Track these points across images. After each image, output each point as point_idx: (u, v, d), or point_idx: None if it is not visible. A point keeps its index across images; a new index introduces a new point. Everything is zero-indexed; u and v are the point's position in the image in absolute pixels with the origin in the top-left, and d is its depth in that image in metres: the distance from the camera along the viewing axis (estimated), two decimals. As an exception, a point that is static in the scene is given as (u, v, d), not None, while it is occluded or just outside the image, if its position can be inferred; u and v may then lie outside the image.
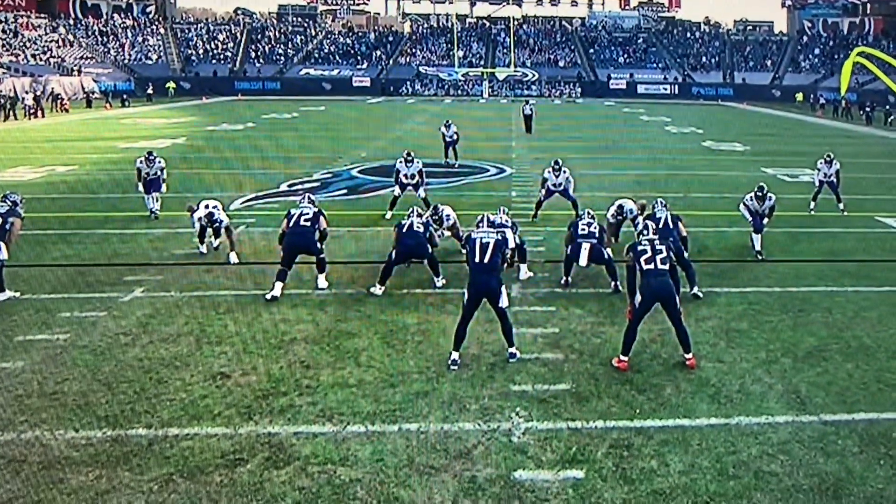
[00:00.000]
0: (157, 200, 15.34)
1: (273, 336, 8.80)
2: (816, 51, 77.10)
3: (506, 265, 9.28)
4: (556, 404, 7.09)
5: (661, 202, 11.37)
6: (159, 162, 15.35)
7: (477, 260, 7.99)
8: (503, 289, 8.01)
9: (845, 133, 39.32)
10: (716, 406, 7.11)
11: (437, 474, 5.86)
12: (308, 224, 10.54)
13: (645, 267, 7.89)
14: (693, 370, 7.87)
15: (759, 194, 12.65)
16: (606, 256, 10.66)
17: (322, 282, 10.71)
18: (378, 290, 10.40)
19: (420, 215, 11.10)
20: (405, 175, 15.54)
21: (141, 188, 15.19)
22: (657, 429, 6.64)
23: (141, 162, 15.25)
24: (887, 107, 47.45)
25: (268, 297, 10.08)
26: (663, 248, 8.06)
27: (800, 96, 62.74)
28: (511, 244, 10.34)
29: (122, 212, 15.80)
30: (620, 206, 12.66)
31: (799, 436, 6.55)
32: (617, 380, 7.66)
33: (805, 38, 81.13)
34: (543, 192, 15.36)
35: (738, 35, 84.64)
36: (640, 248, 8.06)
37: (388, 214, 15.26)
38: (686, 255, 10.53)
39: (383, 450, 6.23)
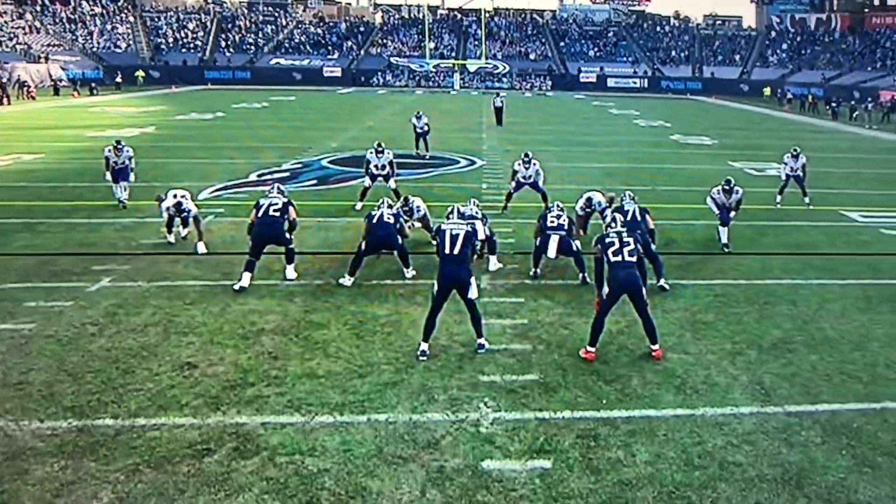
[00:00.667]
0: (125, 190, 15.12)
1: (241, 326, 8.73)
2: (784, 46, 78.04)
3: (476, 257, 9.26)
4: (524, 395, 7.12)
5: (629, 195, 11.43)
6: (127, 151, 15.13)
7: (447, 251, 7.97)
8: (473, 280, 7.98)
9: (812, 128, 39.85)
10: (681, 397, 7.19)
11: (404, 464, 5.86)
12: (277, 214, 10.43)
13: (612, 259, 7.94)
14: (659, 361, 7.95)
15: (727, 188, 12.78)
16: (575, 248, 10.70)
17: (291, 272, 10.62)
18: (347, 280, 10.36)
19: (390, 206, 11.09)
20: (376, 166, 15.48)
21: (109, 177, 14.97)
22: (624, 419, 6.69)
23: (109, 151, 15.01)
24: (852, 102, 48.20)
25: (236, 287, 9.99)
26: (631, 240, 8.10)
27: (767, 91, 63.52)
28: (481, 235, 10.37)
29: (89, 201, 15.57)
30: (589, 199, 12.72)
31: (763, 427, 6.65)
32: (584, 370, 7.71)
33: (773, 34, 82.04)
34: (513, 184, 15.39)
35: (707, 29, 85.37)
36: (607, 240, 8.10)
37: (359, 205, 15.19)
38: (653, 247, 10.60)
39: (351, 440, 6.22)
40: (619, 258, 7.92)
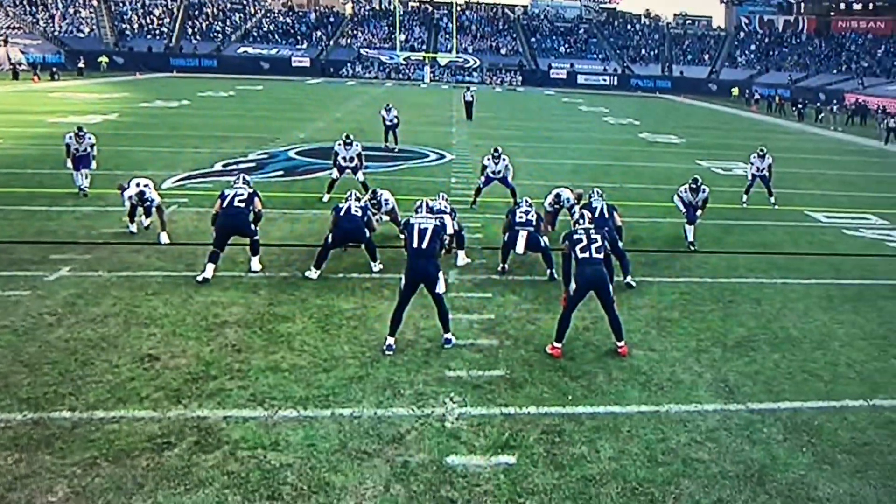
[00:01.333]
0: (86, 177, 14.88)
1: (204, 318, 8.63)
2: (752, 47, 79.01)
3: (444, 251, 9.17)
4: (490, 390, 7.13)
5: (598, 192, 11.46)
6: (89, 138, 14.88)
7: (415, 245, 7.94)
8: (441, 275, 7.94)
9: (778, 128, 40.42)
10: (646, 394, 7.26)
11: (369, 459, 5.84)
12: (242, 205, 10.32)
13: (580, 255, 7.98)
14: (625, 358, 8.01)
15: (693, 186, 12.90)
16: (543, 244, 10.73)
17: (255, 264, 10.52)
18: (313, 273, 10.29)
19: (358, 199, 11.02)
20: (344, 158, 15.38)
21: (70, 164, 14.71)
22: (588, 415, 6.74)
23: (70, 137, 14.75)
24: (818, 104, 48.98)
25: (199, 278, 9.89)
26: (598, 237, 8.15)
27: (735, 91, 64.35)
28: (449, 230, 10.35)
29: (49, 188, 15.27)
30: (558, 195, 12.76)
31: (726, 423, 6.74)
32: (550, 366, 7.74)
33: (742, 34, 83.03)
34: (483, 179, 15.39)
35: (677, 29, 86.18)
36: (575, 236, 8.14)
37: (326, 197, 15.11)
38: (620, 244, 10.69)
39: (315, 435, 6.18)
40: (586, 255, 7.96)
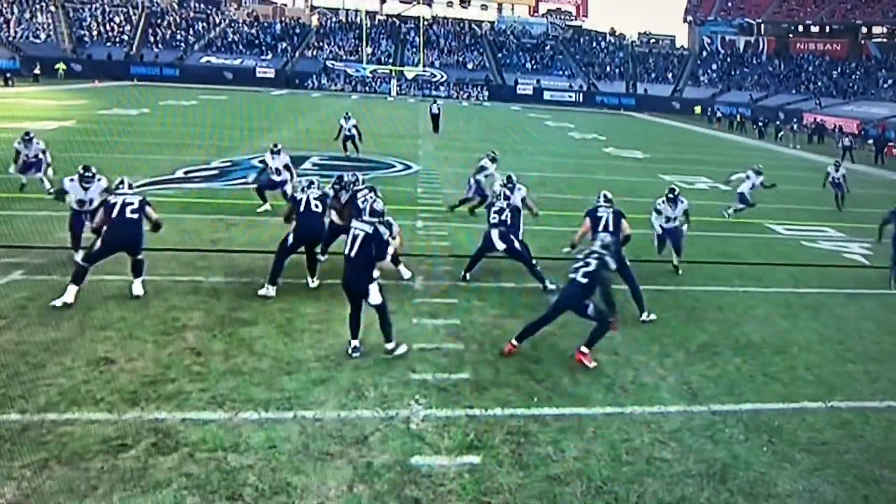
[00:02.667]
0: (43, 181, 14.72)
1: (162, 322, 8.51)
2: (714, 66, 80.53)
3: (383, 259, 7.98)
4: (455, 392, 7.13)
5: (605, 196, 10.61)
6: (38, 143, 14.74)
7: (346, 252, 7.81)
8: (373, 286, 7.68)
9: (740, 145, 41.16)
10: (611, 396, 7.31)
11: (331, 460, 5.78)
12: (136, 216, 9.24)
13: (570, 275, 8.09)
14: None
15: (671, 196, 12.03)
16: (516, 247, 10.63)
17: (138, 288, 9.37)
18: (270, 291, 9.62)
19: (312, 184, 10.22)
20: (271, 169, 15.13)
21: (13, 170, 14.64)
22: (553, 417, 6.76)
23: (18, 143, 14.54)
24: (777, 122, 50.03)
25: (58, 304, 8.72)
26: (593, 264, 7.97)
27: (698, 109, 65.54)
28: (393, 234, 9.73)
29: (0, 192, 14.95)
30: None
31: (689, 424, 6.81)
32: (515, 370, 7.76)
33: (704, 54, 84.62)
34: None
35: (641, 47, 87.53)
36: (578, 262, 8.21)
37: (266, 206, 14.77)
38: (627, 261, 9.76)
39: (276, 437, 6.11)
40: (573, 276, 8.02)
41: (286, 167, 15.10)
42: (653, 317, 9.59)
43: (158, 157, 21.10)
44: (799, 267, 13.24)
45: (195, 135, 27.59)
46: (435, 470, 5.73)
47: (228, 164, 20.76)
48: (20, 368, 7.07)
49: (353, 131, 24.09)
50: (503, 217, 10.69)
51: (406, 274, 10.73)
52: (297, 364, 7.56)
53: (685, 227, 12.46)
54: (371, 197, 10.19)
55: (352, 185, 10.93)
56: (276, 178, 15.06)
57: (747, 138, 46.46)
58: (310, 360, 7.70)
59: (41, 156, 14.74)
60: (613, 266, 8.16)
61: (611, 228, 9.83)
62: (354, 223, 7.98)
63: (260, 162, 15.36)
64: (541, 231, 13.76)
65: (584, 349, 7.97)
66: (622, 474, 5.86)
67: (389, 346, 7.89)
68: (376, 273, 9.16)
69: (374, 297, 7.71)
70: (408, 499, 5.35)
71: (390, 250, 7.89)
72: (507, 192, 11.53)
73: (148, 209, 9.46)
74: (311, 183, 10.25)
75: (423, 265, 11.42)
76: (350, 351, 7.82)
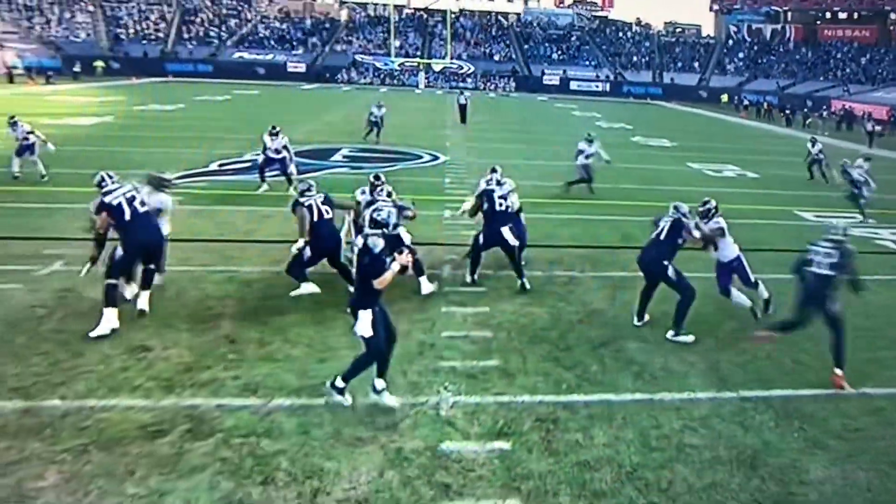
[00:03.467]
0: (35, 164, 15.84)
1: (198, 311, 8.54)
2: (741, 55, 79.31)
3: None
4: (484, 380, 7.06)
5: (675, 207, 8.82)
6: (22, 126, 15.85)
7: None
8: (364, 314, 6.14)
9: (767, 133, 40.54)
10: (640, 383, 7.20)
11: (363, 446, 5.76)
12: (147, 208, 8.39)
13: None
14: (619, 350, 7.94)
15: (703, 209, 9.41)
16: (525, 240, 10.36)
17: (144, 302, 8.34)
18: (306, 288, 9.13)
19: (307, 189, 9.32)
20: (270, 149, 15.91)
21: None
22: (582, 403, 6.67)
23: (8, 129, 16.05)
24: (805, 110, 49.15)
25: (93, 335, 7.61)
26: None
27: (724, 97, 64.60)
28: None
29: (42, 187, 15.15)
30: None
31: (719, 411, 6.69)
32: (544, 357, 7.68)
33: (731, 42, 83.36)
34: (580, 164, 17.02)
35: (667, 37, 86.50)
36: None
37: (261, 189, 15.77)
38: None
39: (309, 423, 6.10)
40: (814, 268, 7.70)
41: (284, 147, 15.98)
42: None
43: (194, 150, 21.25)
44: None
45: (229, 129, 27.74)
46: (465, 456, 5.68)
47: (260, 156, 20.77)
48: (61, 356, 7.14)
49: (380, 121, 24.87)
50: (509, 204, 10.04)
51: (426, 289, 9.49)
52: (329, 351, 7.54)
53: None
54: (382, 205, 8.81)
55: (374, 188, 9.77)
56: (274, 156, 15.89)
57: (775, 126, 45.73)
58: (342, 347, 7.65)
59: (30, 137, 15.77)
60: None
61: (662, 237, 8.58)
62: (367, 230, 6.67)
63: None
64: (572, 221, 13.68)
65: (838, 372, 7.28)
66: (652, 460, 5.77)
67: (338, 382, 6.32)
68: (426, 290, 9.41)
69: (362, 326, 6.15)
70: (438, 484, 5.31)
71: (395, 266, 6.06)
72: (499, 179, 10.59)
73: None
74: (310, 186, 9.38)
75: (451, 254, 11.35)
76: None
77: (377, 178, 9.92)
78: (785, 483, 5.60)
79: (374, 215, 6.66)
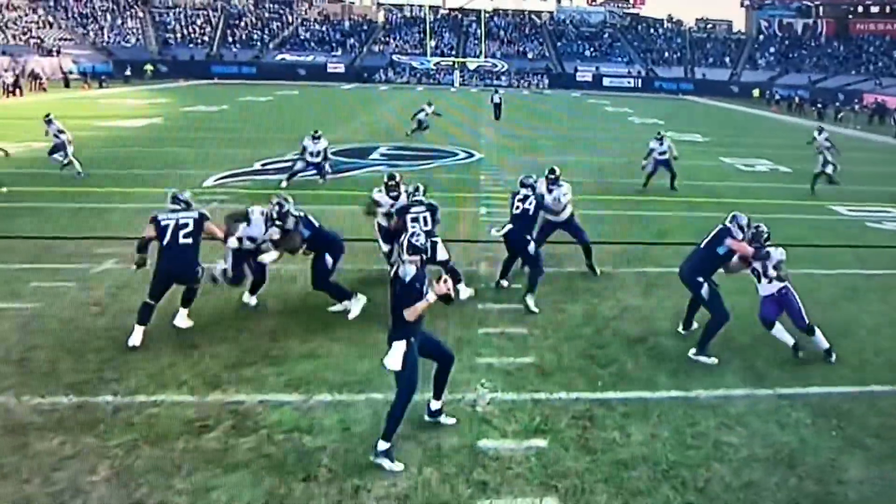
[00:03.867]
0: (72, 164, 16.47)
1: (243, 309, 8.56)
2: (772, 49, 77.74)
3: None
4: (521, 376, 6.97)
5: (736, 218, 7.93)
6: (56, 124, 16.68)
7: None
8: (398, 345, 5.48)
9: (799, 127, 39.65)
10: (675, 380, 7.04)
11: (401, 443, 5.69)
12: (189, 241, 7.57)
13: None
14: (653, 347, 7.78)
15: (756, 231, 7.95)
16: (530, 252, 9.06)
17: (183, 320, 7.90)
18: (355, 304, 8.41)
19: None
20: (311, 153, 16.14)
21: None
22: (618, 401, 6.54)
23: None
24: (837, 104, 48.08)
25: (130, 344, 7.35)
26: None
27: (756, 92, 63.27)
28: (441, 255, 8.75)
29: (96, 187, 15.36)
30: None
31: (755, 408, 6.51)
32: (580, 354, 7.56)
33: (762, 37, 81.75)
34: (650, 161, 17.04)
35: (698, 32, 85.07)
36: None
37: (284, 184, 15.77)
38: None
39: (349, 419, 6.07)
40: None
41: (324, 151, 16.37)
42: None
43: (237, 150, 21.38)
44: (865, 249, 12.61)
45: (271, 129, 27.93)
46: (502, 453, 5.60)
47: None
48: (112, 353, 7.20)
49: (426, 119, 25.77)
50: (527, 206, 9.15)
51: (464, 294, 8.99)
52: (369, 348, 7.47)
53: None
54: (417, 226, 8.39)
55: (389, 190, 9.31)
56: (313, 160, 16.22)
57: (806, 120, 44.70)
58: (381, 343, 7.53)
59: (60, 136, 16.41)
60: None
61: (702, 245, 7.93)
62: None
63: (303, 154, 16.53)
64: (605, 217, 13.49)
65: None
66: (688, 458, 5.63)
67: (381, 446, 5.46)
68: (464, 295, 8.79)
69: (392, 359, 5.48)
70: (476, 482, 5.23)
71: (430, 297, 5.37)
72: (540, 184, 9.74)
73: (208, 225, 7.76)
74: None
75: (487, 252, 11.24)
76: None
77: (391, 178, 9.42)
78: (824, 483, 5.42)
79: (413, 240, 5.64)
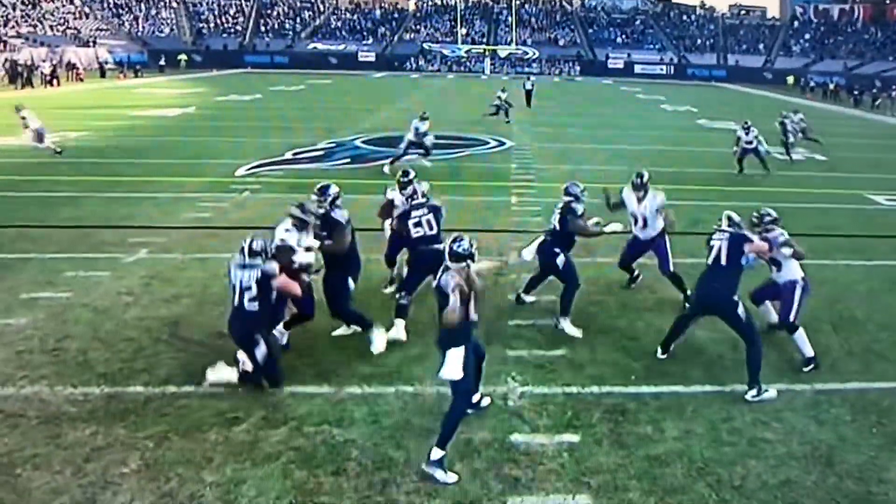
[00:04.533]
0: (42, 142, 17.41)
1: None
2: (807, 36, 76.15)
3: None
4: (552, 370, 6.84)
5: (729, 219, 7.03)
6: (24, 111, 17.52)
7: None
8: (455, 352, 5.22)
9: (834, 115, 38.76)
10: (710, 374, 6.86)
11: (432, 436, 5.55)
12: (255, 307, 6.15)
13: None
14: (688, 341, 7.59)
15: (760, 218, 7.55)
16: (559, 263, 8.00)
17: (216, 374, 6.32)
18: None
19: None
20: (418, 132, 16.66)
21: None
22: (651, 395, 6.39)
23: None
24: (874, 90, 46.91)
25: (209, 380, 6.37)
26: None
27: (791, 79, 62.00)
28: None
29: (130, 176, 15.44)
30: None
31: (792, 404, 6.32)
32: (612, 347, 7.40)
33: (796, 23, 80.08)
34: (739, 149, 17.48)
35: (732, 19, 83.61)
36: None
37: (387, 169, 16.05)
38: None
39: (379, 411, 5.99)
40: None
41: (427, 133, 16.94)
42: None
43: (269, 140, 21.43)
44: (904, 239, 12.24)
45: (303, 118, 27.94)
46: (533, 448, 5.48)
47: (333, 145, 20.87)
48: (144, 343, 7.21)
49: (506, 104, 27.34)
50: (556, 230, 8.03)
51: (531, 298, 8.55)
52: (398, 340, 7.40)
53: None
54: (421, 230, 7.64)
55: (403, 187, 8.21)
56: (418, 140, 16.72)
57: (842, 107, 43.72)
58: (411, 335, 7.52)
59: (31, 124, 17.39)
60: None
61: (723, 262, 6.71)
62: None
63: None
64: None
65: None
66: (724, 455, 5.47)
67: (435, 454, 5.16)
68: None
69: (451, 368, 5.20)
70: (507, 478, 5.12)
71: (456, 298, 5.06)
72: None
73: (274, 284, 6.24)
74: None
75: (518, 241, 11.08)
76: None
77: (405, 174, 8.31)
78: (864, 481, 5.22)
79: (455, 247, 5.23)
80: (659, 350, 7.24)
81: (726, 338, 7.58)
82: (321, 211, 7.28)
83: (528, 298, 8.55)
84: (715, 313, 6.80)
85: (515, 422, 5.87)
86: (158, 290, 8.68)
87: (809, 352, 7.10)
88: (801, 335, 7.13)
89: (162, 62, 57.83)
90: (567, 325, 7.75)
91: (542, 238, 8.14)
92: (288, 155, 18.73)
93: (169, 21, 72.03)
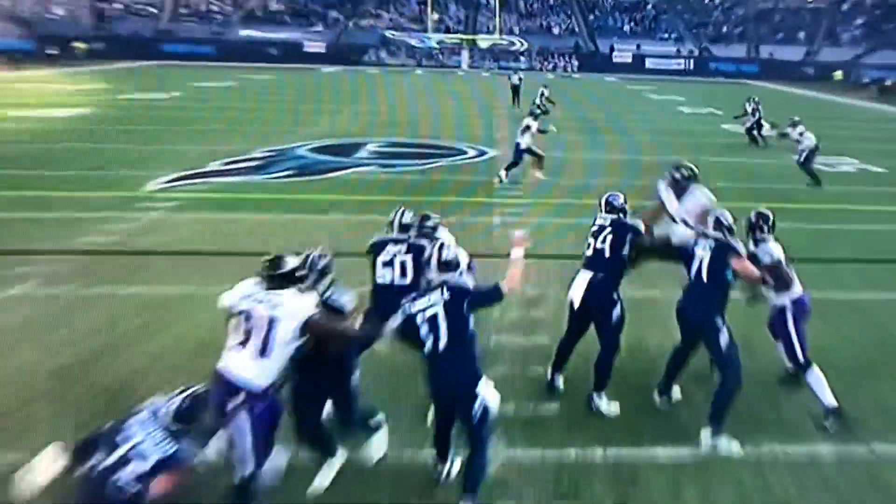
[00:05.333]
0: None
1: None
2: (859, 21, 77.84)
3: None
4: (544, 427, 6.88)
5: (719, 219, 7.25)
6: None
7: (429, 347, 5.68)
8: (486, 382, 5.65)
9: (892, 117, 39.62)
10: (741, 432, 6.86)
11: None
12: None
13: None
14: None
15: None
16: (614, 314, 7.42)
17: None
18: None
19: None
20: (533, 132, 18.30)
21: None
22: (668, 458, 6.43)
23: None
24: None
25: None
26: None
27: (838, 74, 63.28)
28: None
29: (10, 191, 15.30)
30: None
31: (845, 468, 6.39)
32: (620, 401, 7.41)
33: (845, 6, 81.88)
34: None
35: (765, 2, 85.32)
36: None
37: (503, 174, 17.62)
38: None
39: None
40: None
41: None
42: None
43: (191, 147, 21.46)
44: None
45: (234, 120, 28.00)
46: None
47: (273, 153, 20.91)
48: (14, 402, 7.14)
49: (544, 103, 28.98)
50: (600, 245, 7.50)
51: None
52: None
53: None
54: (388, 271, 7.32)
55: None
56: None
57: (902, 109, 44.74)
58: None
59: None
60: None
61: (704, 277, 6.86)
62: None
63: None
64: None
65: None
66: (759, 532, 5.52)
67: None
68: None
69: (489, 396, 5.63)
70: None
71: None
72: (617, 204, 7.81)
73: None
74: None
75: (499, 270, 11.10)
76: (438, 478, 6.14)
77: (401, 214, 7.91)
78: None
79: (443, 255, 5.79)
80: (656, 395, 7.41)
81: (762, 388, 7.67)
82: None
83: (560, 383, 7.80)
84: (699, 336, 6.98)
85: (499, 491, 5.87)
86: (44, 332, 8.61)
87: (830, 400, 7.04)
88: (816, 377, 7.09)
89: (52, 51, 57.59)
90: (603, 403, 7.33)
91: (588, 274, 7.41)
92: (214, 166, 18.72)
93: (63, 1, 71.94)
